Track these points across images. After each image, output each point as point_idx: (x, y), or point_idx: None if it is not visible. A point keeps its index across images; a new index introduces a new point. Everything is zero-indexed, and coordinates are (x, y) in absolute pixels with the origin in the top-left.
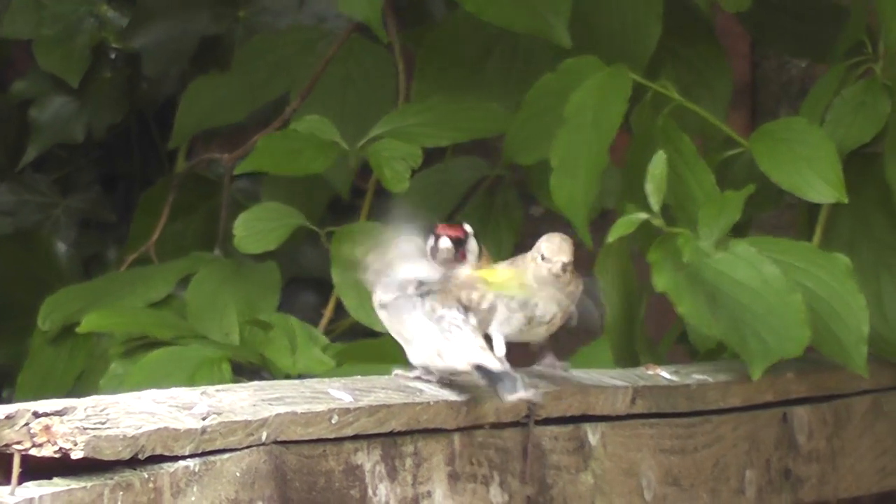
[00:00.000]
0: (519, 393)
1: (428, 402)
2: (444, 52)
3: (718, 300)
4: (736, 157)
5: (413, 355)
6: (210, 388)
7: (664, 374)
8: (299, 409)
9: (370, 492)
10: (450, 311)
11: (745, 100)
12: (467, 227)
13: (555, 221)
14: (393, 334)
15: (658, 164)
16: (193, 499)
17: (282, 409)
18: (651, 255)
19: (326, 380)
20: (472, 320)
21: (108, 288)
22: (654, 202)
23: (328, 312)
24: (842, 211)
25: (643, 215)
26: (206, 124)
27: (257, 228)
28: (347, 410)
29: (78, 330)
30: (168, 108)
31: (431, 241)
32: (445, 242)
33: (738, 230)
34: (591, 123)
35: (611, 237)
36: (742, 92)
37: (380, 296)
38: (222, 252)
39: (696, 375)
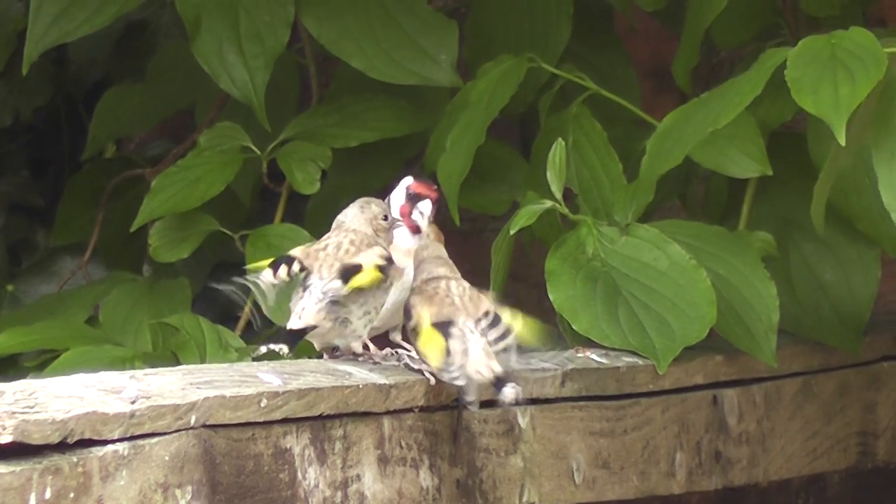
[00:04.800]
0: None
1: (357, 386)
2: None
3: (624, 288)
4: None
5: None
6: (139, 373)
7: (594, 356)
8: (228, 392)
9: (299, 475)
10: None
11: (675, 83)
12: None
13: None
14: None
15: (558, 152)
16: (123, 483)
17: (210, 393)
18: (548, 263)
19: (255, 363)
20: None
21: (27, 318)
22: (556, 189)
23: (244, 315)
24: (746, 190)
25: (546, 203)
26: (119, 133)
27: (171, 237)
28: (276, 394)
29: None
30: (97, 91)
31: (408, 200)
32: (428, 205)
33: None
34: (485, 108)
35: (513, 227)
36: (671, 75)
37: None
38: (150, 265)
39: (626, 358)
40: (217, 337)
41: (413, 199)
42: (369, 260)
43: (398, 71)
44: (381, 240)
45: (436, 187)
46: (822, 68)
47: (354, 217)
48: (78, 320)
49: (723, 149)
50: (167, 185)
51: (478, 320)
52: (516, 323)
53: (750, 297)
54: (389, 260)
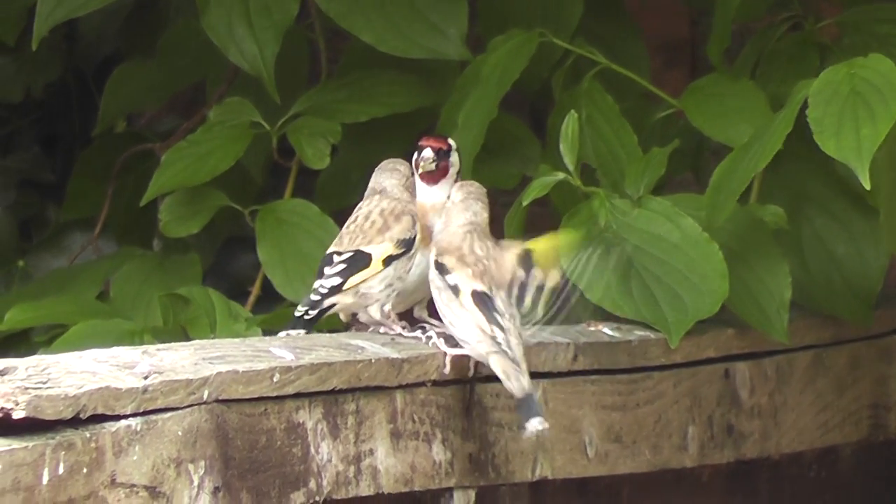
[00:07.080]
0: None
1: (369, 360)
2: None
3: (636, 260)
4: (669, 118)
5: None
6: (151, 348)
7: (606, 330)
8: (241, 367)
9: (312, 450)
10: None
11: (685, 57)
12: (451, 141)
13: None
14: None
15: (571, 124)
16: (135, 458)
17: (223, 368)
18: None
19: (268, 338)
20: None
21: (38, 293)
22: (569, 161)
23: (255, 290)
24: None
25: (559, 175)
26: (130, 109)
27: (181, 213)
28: (289, 369)
29: (0, 327)
30: (107, 66)
31: (416, 153)
32: (428, 152)
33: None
34: (496, 82)
35: (526, 199)
36: (681, 50)
37: None
38: (160, 239)
39: (638, 332)
40: (227, 309)
41: (419, 150)
42: (382, 251)
43: (408, 45)
44: (413, 202)
45: (443, 139)
46: (841, 106)
47: (392, 186)
48: (88, 295)
49: (734, 122)
50: (177, 159)
51: (509, 288)
52: (538, 257)
53: (762, 273)
54: (410, 242)
